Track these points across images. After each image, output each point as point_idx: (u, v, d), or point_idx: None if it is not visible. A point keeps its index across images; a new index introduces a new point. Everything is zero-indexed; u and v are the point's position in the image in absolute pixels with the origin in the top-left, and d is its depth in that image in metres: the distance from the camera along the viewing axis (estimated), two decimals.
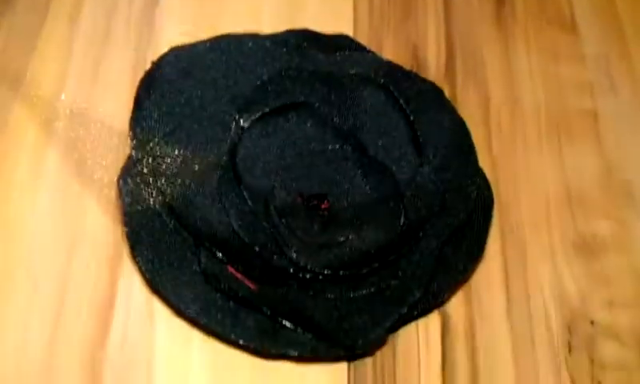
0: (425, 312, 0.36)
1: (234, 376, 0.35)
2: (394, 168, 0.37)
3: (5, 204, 0.38)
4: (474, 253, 0.37)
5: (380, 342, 0.35)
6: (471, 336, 0.37)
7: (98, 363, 0.34)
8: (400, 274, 0.35)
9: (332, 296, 0.35)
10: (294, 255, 0.35)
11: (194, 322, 0.35)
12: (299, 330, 0.34)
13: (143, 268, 0.35)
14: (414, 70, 0.42)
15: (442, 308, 0.37)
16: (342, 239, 0.36)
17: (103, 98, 0.41)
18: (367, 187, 0.37)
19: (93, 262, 0.37)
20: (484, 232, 0.37)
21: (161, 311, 0.36)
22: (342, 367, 0.35)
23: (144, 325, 0.35)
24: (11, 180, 0.39)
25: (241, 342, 0.34)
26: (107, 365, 0.34)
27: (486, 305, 0.38)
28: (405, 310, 0.34)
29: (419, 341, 0.36)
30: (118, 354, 0.35)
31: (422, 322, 0.37)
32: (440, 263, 0.36)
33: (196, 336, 0.35)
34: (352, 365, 0.35)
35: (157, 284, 0.34)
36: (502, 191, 0.41)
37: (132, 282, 0.36)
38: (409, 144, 0.38)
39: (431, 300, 0.35)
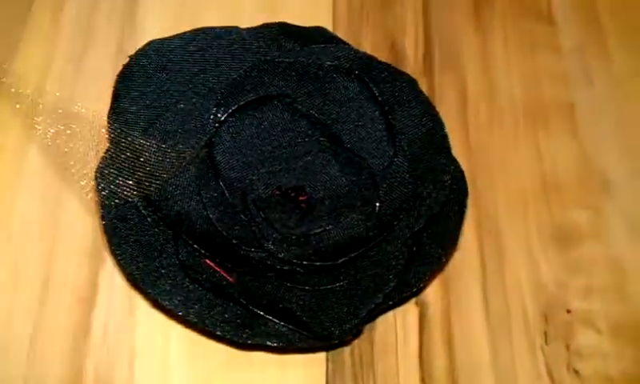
0: (401, 301, 0.37)
1: (212, 366, 0.35)
2: (369, 159, 0.38)
3: None
4: (448, 242, 0.37)
5: (356, 332, 0.35)
6: (448, 325, 0.37)
7: (81, 355, 0.35)
8: (375, 264, 0.36)
9: (309, 287, 0.36)
10: (272, 247, 0.35)
11: (172, 313, 0.35)
12: (276, 320, 0.34)
13: (122, 261, 0.35)
14: (393, 62, 0.42)
15: (419, 297, 0.38)
16: (318, 230, 0.36)
17: (84, 93, 0.42)
18: (343, 178, 0.38)
19: (73, 257, 0.37)
20: (459, 221, 0.38)
21: (141, 303, 0.36)
22: (320, 357, 0.36)
23: (125, 317, 0.36)
24: None
25: (218, 332, 0.34)
26: (89, 357, 0.35)
27: (463, 294, 0.38)
28: (380, 299, 0.35)
29: (397, 329, 0.37)
30: (100, 346, 0.35)
31: (399, 311, 0.37)
32: (415, 253, 0.36)
33: (175, 327, 0.36)
34: (330, 354, 0.36)
35: (135, 277, 0.35)
36: (478, 182, 0.41)
37: (112, 275, 0.37)
38: (383, 135, 0.38)
39: (407, 289, 0.36)
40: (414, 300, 0.38)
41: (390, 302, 0.36)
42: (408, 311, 0.37)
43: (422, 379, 0.36)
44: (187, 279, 0.35)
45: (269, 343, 0.34)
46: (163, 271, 0.35)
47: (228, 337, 0.34)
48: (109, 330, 0.35)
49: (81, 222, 0.38)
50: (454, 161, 0.39)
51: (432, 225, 0.37)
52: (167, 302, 0.34)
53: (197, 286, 0.35)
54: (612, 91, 0.45)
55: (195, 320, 0.34)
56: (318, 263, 0.35)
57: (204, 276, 0.35)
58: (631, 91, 0.45)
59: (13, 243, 0.37)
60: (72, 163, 0.38)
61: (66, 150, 0.38)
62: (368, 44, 0.45)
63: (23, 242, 0.37)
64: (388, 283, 0.35)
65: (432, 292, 0.38)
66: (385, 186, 0.37)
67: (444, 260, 0.37)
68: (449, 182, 0.37)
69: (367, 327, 0.36)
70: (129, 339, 0.35)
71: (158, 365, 0.35)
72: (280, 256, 0.35)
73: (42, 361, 0.34)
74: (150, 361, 0.35)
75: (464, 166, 0.40)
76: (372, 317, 0.36)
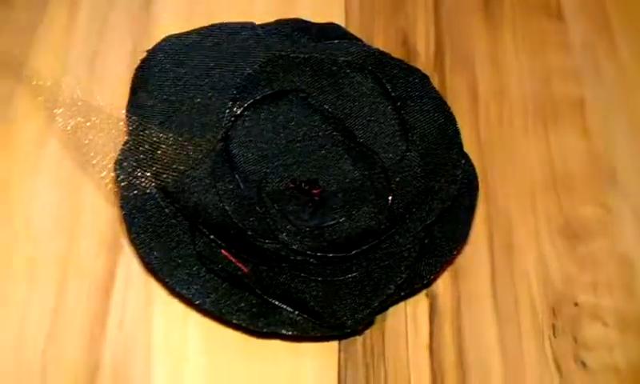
0: (412, 293, 0.37)
1: (228, 354, 0.36)
2: (381, 153, 0.38)
3: (6, 191, 0.39)
4: (459, 235, 0.38)
5: (368, 322, 0.36)
6: (457, 316, 0.38)
7: (98, 344, 0.36)
8: (387, 256, 0.37)
9: (322, 279, 0.36)
10: (286, 238, 0.36)
11: (189, 302, 0.36)
12: (290, 309, 0.35)
13: (140, 250, 0.36)
14: (404, 59, 0.43)
15: (429, 289, 0.38)
16: (331, 223, 0.37)
17: (102, 86, 0.42)
18: (356, 172, 0.38)
19: (92, 246, 0.38)
20: (469, 215, 0.38)
21: (158, 292, 0.37)
22: (332, 346, 0.36)
23: (142, 306, 0.37)
24: (12, 168, 0.40)
25: (234, 321, 0.35)
26: (107, 346, 0.36)
27: (473, 286, 0.39)
28: (392, 290, 0.35)
29: (407, 321, 0.38)
30: (117, 335, 0.36)
31: (410, 302, 0.38)
32: (426, 245, 0.37)
33: (192, 316, 0.36)
34: (342, 344, 0.37)
35: (153, 266, 0.36)
36: (488, 177, 0.42)
37: (130, 265, 0.38)
38: (396, 130, 0.39)
39: (417, 281, 0.37)
40: (424, 292, 0.38)
41: (402, 293, 0.36)
42: (419, 303, 0.38)
43: (432, 369, 0.36)
44: (204, 269, 0.36)
45: (283, 331, 0.35)
46: (180, 261, 0.36)
47: (244, 325, 0.35)
48: (126, 319, 0.36)
49: (100, 212, 0.39)
50: (466, 156, 0.39)
51: (443, 218, 0.38)
52: (185, 291, 0.35)
53: (213, 275, 0.35)
54: (621, 87, 0.46)
55: (212, 309, 0.35)
56: (330, 255, 0.36)
57: (220, 266, 0.36)
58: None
59: (31, 233, 0.38)
60: (91, 155, 0.39)
61: (85, 141, 0.39)
62: (380, 41, 0.46)
63: (42, 231, 0.38)
64: (399, 275, 0.36)
65: (442, 284, 0.38)
66: (397, 179, 0.37)
67: (454, 253, 0.38)
68: (460, 176, 0.38)
69: (379, 317, 0.37)
70: (146, 328, 0.36)
71: (175, 354, 0.36)
72: (294, 247, 0.36)
73: (59, 350, 0.35)
74: (167, 350, 0.36)
75: (475, 162, 0.41)
76: (383, 307, 0.37)
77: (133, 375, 0.35)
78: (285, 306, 0.35)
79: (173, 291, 0.36)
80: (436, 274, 0.38)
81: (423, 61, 0.46)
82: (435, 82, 0.43)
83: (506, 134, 0.44)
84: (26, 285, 0.37)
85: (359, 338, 0.37)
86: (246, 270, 0.36)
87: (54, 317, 0.36)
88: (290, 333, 0.35)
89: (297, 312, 0.35)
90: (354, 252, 0.36)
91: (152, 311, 0.37)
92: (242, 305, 0.35)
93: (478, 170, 0.40)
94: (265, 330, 0.35)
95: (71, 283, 0.37)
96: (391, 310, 0.38)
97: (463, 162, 0.38)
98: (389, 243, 0.37)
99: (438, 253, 0.37)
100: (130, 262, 0.38)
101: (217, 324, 0.36)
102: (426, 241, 0.37)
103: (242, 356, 0.36)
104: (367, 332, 0.37)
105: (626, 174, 0.42)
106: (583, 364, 0.37)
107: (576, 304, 0.39)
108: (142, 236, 0.36)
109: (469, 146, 0.41)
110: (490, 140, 0.43)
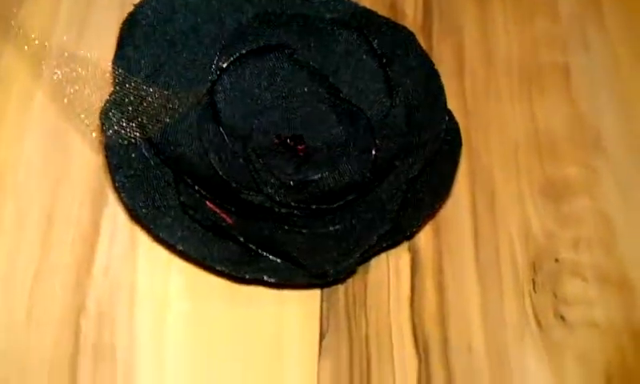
0: (394, 244, 0.38)
1: (211, 301, 0.36)
2: (366, 109, 0.39)
3: None
4: (442, 189, 0.38)
5: (350, 271, 0.37)
6: (439, 270, 0.38)
7: (83, 290, 0.36)
8: (370, 209, 0.37)
9: (306, 230, 0.37)
10: (270, 191, 0.37)
11: (173, 248, 0.36)
12: (273, 258, 0.35)
13: (124, 198, 0.36)
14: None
15: (411, 243, 0.39)
16: (316, 177, 0.37)
17: (89, 39, 0.42)
18: (341, 128, 0.39)
19: (77, 195, 0.38)
20: (452, 171, 0.39)
21: (143, 241, 0.37)
22: (315, 295, 0.37)
23: (126, 254, 0.37)
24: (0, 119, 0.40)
25: (218, 267, 0.35)
26: (91, 290, 0.36)
27: (454, 241, 0.39)
28: (374, 241, 0.36)
29: (389, 273, 0.38)
30: (102, 282, 0.36)
31: (392, 256, 0.38)
32: (409, 199, 0.37)
33: (175, 263, 0.37)
34: (325, 293, 0.37)
35: (138, 213, 0.36)
36: (472, 136, 0.42)
37: (115, 215, 0.38)
38: (381, 86, 0.39)
39: (399, 233, 0.37)
40: (407, 245, 0.39)
41: (384, 244, 0.37)
42: (401, 257, 0.38)
43: (412, 320, 0.37)
44: (188, 217, 0.36)
45: (266, 278, 0.35)
46: (164, 210, 0.36)
47: (227, 272, 0.35)
48: (111, 267, 0.37)
49: (85, 162, 0.39)
50: (450, 112, 0.40)
51: (426, 173, 0.38)
52: (168, 237, 0.35)
53: (197, 223, 0.36)
54: (607, 56, 0.46)
55: (195, 255, 0.35)
56: (314, 207, 0.37)
57: (204, 215, 0.36)
58: (625, 56, 0.46)
59: (19, 182, 0.38)
60: (77, 105, 0.39)
61: (71, 91, 0.39)
62: (367, 0, 0.46)
63: (29, 181, 0.38)
64: (382, 226, 0.36)
65: (424, 238, 0.39)
66: (382, 135, 0.38)
67: (437, 207, 0.38)
68: (444, 131, 0.38)
69: (361, 269, 0.37)
70: (130, 275, 0.36)
71: (159, 299, 0.36)
72: (277, 199, 0.36)
73: (44, 295, 0.35)
74: (151, 295, 0.36)
75: (460, 122, 0.41)
76: (366, 258, 0.37)
77: (117, 318, 0.35)
78: (268, 255, 0.35)
79: (157, 237, 0.36)
80: (418, 227, 0.38)
81: (410, 25, 0.46)
82: (422, 45, 0.44)
83: (492, 97, 0.44)
84: (11, 233, 0.37)
85: (341, 288, 0.37)
86: (230, 220, 0.36)
87: (39, 264, 0.36)
88: (273, 280, 0.35)
89: (280, 261, 0.35)
90: (337, 204, 0.37)
91: (136, 259, 0.37)
92: (226, 253, 0.35)
93: (462, 130, 0.41)
94: (248, 277, 0.35)
95: (56, 232, 0.37)
96: (374, 263, 0.38)
97: (447, 118, 0.39)
98: (372, 196, 0.37)
99: (420, 206, 0.38)
100: (115, 212, 0.38)
101: (200, 271, 0.36)
102: (409, 195, 0.37)
103: (225, 303, 0.36)
104: (350, 283, 0.37)
105: (609, 137, 0.43)
106: (562, 318, 0.37)
107: (557, 260, 0.39)
108: (127, 185, 0.36)
109: (453, 108, 0.41)
110: (474, 102, 0.44)
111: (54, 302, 0.35)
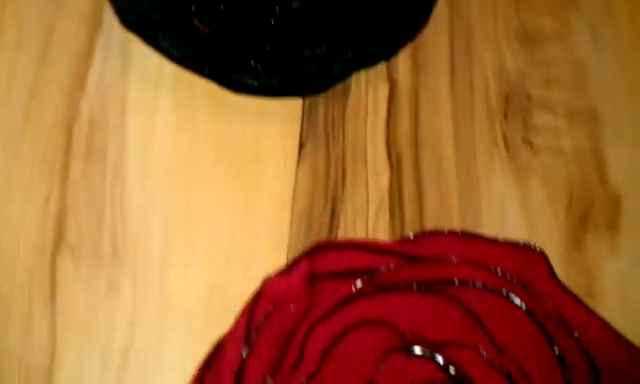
0: (372, 62, 0.40)
1: (196, 113, 0.39)
2: None
3: None
4: (420, 15, 0.40)
5: (330, 82, 0.39)
6: (415, 99, 0.40)
7: (76, 101, 0.38)
8: (350, 24, 0.39)
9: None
10: None
11: (163, 55, 0.38)
12: (256, 63, 0.37)
13: (118, 7, 0.38)
14: None
15: (390, 73, 0.41)
16: None
17: None
18: None
19: (74, 18, 0.40)
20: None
21: (134, 60, 0.39)
22: (295, 115, 0.39)
23: (118, 71, 0.39)
24: None
25: (206, 71, 0.37)
26: (84, 102, 0.38)
27: (431, 74, 0.41)
28: (350, 55, 0.38)
29: (367, 99, 0.40)
30: (95, 94, 0.39)
31: (371, 83, 0.40)
32: (388, 20, 0.39)
33: (165, 79, 0.39)
34: (305, 112, 0.39)
35: (131, 21, 0.38)
36: None
37: (110, 35, 0.40)
38: None
39: (379, 52, 0.39)
40: (385, 75, 0.41)
41: (363, 61, 0.39)
42: (379, 86, 0.40)
43: (387, 142, 0.39)
44: (180, 24, 0.38)
45: (249, 82, 0.37)
46: (155, 21, 0.38)
47: (212, 75, 0.37)
48: (103, 82, 0.39)
49: None
50: None
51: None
52: (161, 41, 0.37)
53: (186, 31, 0.37)
54: None
55: (183, 59, 0.37)
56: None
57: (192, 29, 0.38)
58: None
59: (18, 3, 0.40)
60: None
61: None
62: None
63: (29, 6, 0.40)
64: (361, 41, 0.38)
65: (402, 69, 0.41)
66: None
67: (415, 30, 0.40)
68: None
69: (340, 93, 0.40)
70: (121, 89, 0.39)
71: (148, 111, 0.38)
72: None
73: (39, 106, 0.38)
74: (141, 107, 0.38)
75: None
76: (344, 72, 0.39)
77: (108, 125, 0.38)
78: (253, 62, 0.37)
79: (149, 42, 0.38)
80: (396, 51, 0.40)
81: None
82: None
83: None
84: (9, 55, 0.39)
85: (321, 109, 0.39)
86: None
87: (35, 81, 0.39)
88: (255, 84, 0.37)
89: (261, 67, 0.37)
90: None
91: (127, 76, 0.39)
92: (211, 60, 0.37)
93: None
94: (232, 77, 0.37)
95: (54, 50, 0.39)
96: (353, 89, 0.40)
97: None
98: (352, 14, 0.39)
99: (399, 29, 0.39)
100: (109, 33, 0.40)
101: (187, 87, 0.39)
102: (389, 16, 0.39)
103: (210, 117, 0.38)
104: (329, 106, 0.40)
105: None
106: (530, 144, 0.40)
107: (528, 96, 0.41)
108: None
109: None
110: None
111: (47, 112, 0.38)
